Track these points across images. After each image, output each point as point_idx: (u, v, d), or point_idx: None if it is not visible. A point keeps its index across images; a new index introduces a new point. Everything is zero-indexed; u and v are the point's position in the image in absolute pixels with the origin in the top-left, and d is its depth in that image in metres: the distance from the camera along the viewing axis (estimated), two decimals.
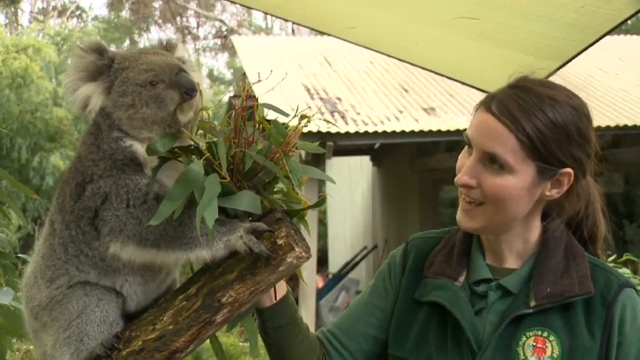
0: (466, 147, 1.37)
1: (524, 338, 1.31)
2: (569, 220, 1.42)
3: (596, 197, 1.43)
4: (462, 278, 1.40)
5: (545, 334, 1.31)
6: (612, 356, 1.28)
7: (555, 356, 1.29)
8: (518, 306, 1.33)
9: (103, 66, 1.34)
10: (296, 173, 1.29)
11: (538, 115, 1.28)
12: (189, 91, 1.30)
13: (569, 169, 1.31)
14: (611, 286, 1.32)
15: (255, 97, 1.31)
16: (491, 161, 1.30)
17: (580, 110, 1.33)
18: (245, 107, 1.28)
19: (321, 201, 1.45)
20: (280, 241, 1.24)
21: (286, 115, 1.33)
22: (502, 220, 1.34)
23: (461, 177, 1.33)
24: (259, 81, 1.35)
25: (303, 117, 1.30)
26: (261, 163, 1.25)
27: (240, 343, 6.55)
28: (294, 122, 1.30)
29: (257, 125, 1.29)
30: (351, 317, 1.52)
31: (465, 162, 1.35)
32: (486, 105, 1.33)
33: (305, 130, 1.32)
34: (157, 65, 1.32)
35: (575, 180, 1.33)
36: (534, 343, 1.30)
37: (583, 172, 1.34)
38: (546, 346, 1.30)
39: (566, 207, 1.38)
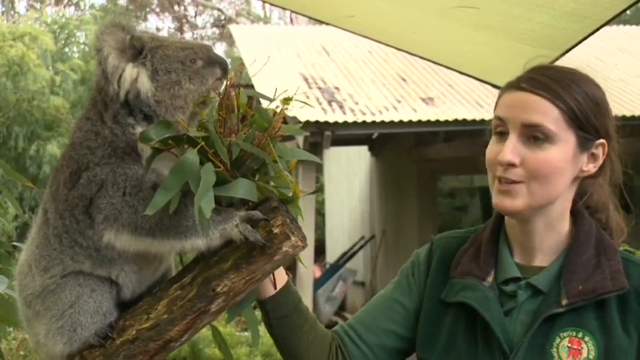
0: (493, 137, 1.34)
1: (558, 339, 1.27)
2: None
3: (607, 188, 1.41)
4: (490, 278, 1.36)
5: (580, 335, 1.26)
6: None
7: (592, 358, 1.25)
8: (549, 305, 1.28)
9: (140, 45, 1.31)
10: (284, 156, 1.28)
11: (572, 86, 1.28)
12: (226, 67, 1.32)
13: (603, 140, 1.31)
14: None
15: (240, 85, 1.30)
16: (533, 135, 1.27)
17: (599, 85, 1.34)
18: (229, 96, 1.27)
19: (318, 189, 1.45)
20: (276, 230, 1.23)
21: (268, 99, 1.32)
22: (545, 198, 1.29)
23: (504, 155, 1.27)
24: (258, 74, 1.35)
25: (285, 100, 1.29)
26: (248, 151, 1.24)
27: (237, 333, 6.55)
28: (278, 108, 1.30)
29: (238, 112, 1.27)
30: (372, 311, 1.49)
31: (496, 149, 1.31)
32: (515, 85, 1.32)
33: (302, 119, 1.31)
34: (192, 44, 1.34)
35: (608, 155, 1.33)
36: (569, 345, 1.26)
37: (613, 147, 1.34)
38: (582, 348, 1.25)
39: (595, 186, 1.37)
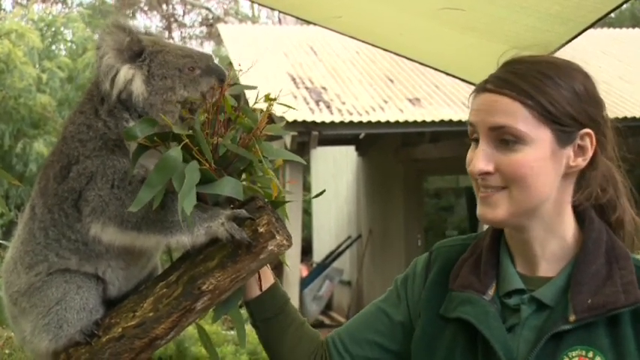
0: (472, 144, 1.24)
1: (566, 359, 1.15)
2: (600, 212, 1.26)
3: (620, 185, 1.28)
4: (490, 291, 1.24)
5: (590, 355, 1.13)
6: None
7: None
8: (555, 321, 1.16)
9: (140, 48, 1.32)
10: (269, 155, 1.29)
11: (541, 79, 1.17)
12: (223, 77, 1.33)
13: (588, 130, 1.18)
14: None
15: (228, 84, 1.31)
16: (503, 138, 1.17)
17: (581, 71, 1.22)
18: (218, 99, 1.27)
19: (319, 194, 1.45)
20: (261, 229, 1.23)
21: (253, 88, 1.33)
22: (529, 203, 1.18)
23: (475, 165, 1.19)
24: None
25: (267, 96, 1.29)
26: (234, 151, 1.24)
27: (223, 332, 6.54)
28: (265, 108, 1.30)
29: (225, 114, 1.28)
30: (359, 321, 1.42)
31: (472, 157, 1.22)
32: (481, 87, 1.23)
33: (290, 119, 1.31)
34: (193, 52, 1.35)
35: (598, 145, 1.20)
36: None
37: (605, 136, 1.21)
38: None
39: (592, 180, 1.23)
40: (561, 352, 1.15)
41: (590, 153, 1.20)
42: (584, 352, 1.14)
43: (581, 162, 1.20)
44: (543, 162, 1.17)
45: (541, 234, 1.23)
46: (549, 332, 1.16)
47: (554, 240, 1.23)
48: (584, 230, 1.23)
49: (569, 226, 1.24)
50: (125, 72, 1.29)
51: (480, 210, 1.22)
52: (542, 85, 1.17)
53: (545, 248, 1.24)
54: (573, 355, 1.15)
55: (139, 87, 1.29)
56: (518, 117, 1.17)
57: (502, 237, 1.30)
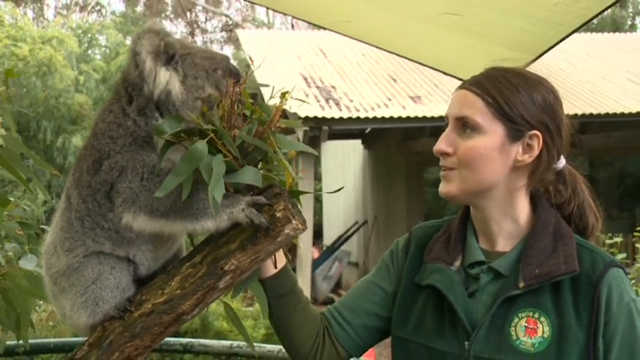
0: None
1: (516, 319, 1.25)
2: (561, 211, 1.35)
3: (583, 190, 1.37)
4: (457, 263, 1.34)
5: (536, 315, 1.24)
6: (599, 335, 1.21)
7: (546, 336, 1.23)
8: (508, 287, 1.26)
9: (173, 51, 1.29)
10: (282, 147, 1.28)
11: (502, 81, 1.28)
12: (239, 77, 1.32)
13: (536, 132, 1.26)
14: (597, 266, 1.24)
15: (244, 82, 1.30)
16: (464, 127, 1.28)
17: (546, 86, 1.30)
18: (235, 95, 1.26)
19: (339, 189, 1.46)
20: (279, 214, 1.22)
21: (267, 85, 1.32)
22: (476, 183, 1.28)
23: (438, 145, 1.30)
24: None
25: (283, 94, 1.28)
26: (251, 142, 1.23)
27: (243, 308, 6.57)
28: (277, 104, 1.30)
29: (242, 108, 1.26)
30: (355, 295, 1.48)
31: None
32: (461, 85, 1.33)
33: (302, 115, 1.30)
34: (215, 54, 1.34)
35: (545, 147, 1.27)
36: (526, 324, 1.24)
37: (552, 141, 1.28)
38: (537, 327, 1.24)
39: (538, 172, 1.31)
40: (513, 313, 1.26)
41: (536, 152, 1.28)
42: (531, 313, 1.25)
43: (527, 158, 1.28)
44: (490, 151, 1.27)
45: (496, 215, 1.33)
46: (503, 296, 1.26)
47: (508, 221, 1.33)
48: (536, 213, 1.32)
49: (522, 210, 1.33)
50: (164, 74, 1.27)
51: (440, 186, 1.33)
52: (503, 88, 1.27)
53: (501, 227, 1.33)
54: (522, 315, 1.25)
55: (176, 87, 1.28)
56: (478, 110, 1.27)
57: (469, 218, 1.39)
